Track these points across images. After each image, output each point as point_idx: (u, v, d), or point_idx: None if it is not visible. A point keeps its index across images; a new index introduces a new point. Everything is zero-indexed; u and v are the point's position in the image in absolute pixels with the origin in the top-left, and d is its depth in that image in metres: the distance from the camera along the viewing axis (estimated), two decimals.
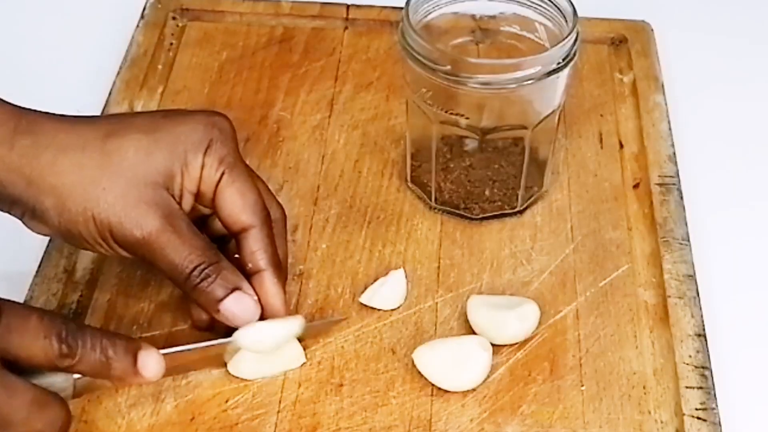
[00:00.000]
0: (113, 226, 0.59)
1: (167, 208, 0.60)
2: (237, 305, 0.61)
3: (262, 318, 0.62)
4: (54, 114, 0.62)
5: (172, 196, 0.61)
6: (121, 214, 0.59)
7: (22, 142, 0.59)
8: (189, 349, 0.61)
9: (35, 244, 0.70)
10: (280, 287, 0.63)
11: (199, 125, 0.62)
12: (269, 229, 0.63)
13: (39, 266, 0.69)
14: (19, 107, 0.61)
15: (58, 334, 0.54)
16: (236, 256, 0.63)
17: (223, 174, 0.62)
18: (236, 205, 0.62)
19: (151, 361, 0.57)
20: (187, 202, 0.62)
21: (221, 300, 0.61)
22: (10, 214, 0.61)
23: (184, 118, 0.62)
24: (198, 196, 0.63)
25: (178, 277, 0.61)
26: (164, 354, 0.59)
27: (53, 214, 0.60)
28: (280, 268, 0.64)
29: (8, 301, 0.55)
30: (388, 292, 0.68)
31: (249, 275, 0.63)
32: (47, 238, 0.70)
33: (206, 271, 0.60)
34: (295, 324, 0.63)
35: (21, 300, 0.67)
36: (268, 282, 0.62)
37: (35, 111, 0.61)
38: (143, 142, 0.60)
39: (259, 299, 0.62)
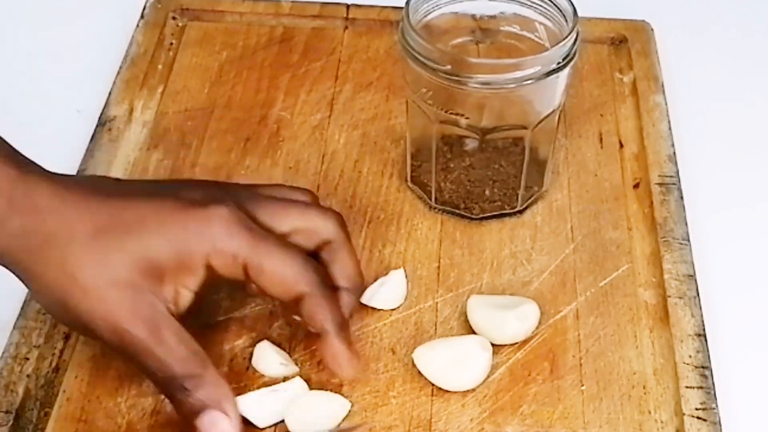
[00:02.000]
0: (92, 329, 0.58)
1: (150, 316, 0.57)
2: (210, 426, 0.58)
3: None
4: (49, 180, 0.59)
5: (163, 297, 0.58)
6: (99, 322, 0.57)
7: (13, 222, 0.57)
8: None
9: None
10: (345, 347, 0.60)
11: (193, 226, 0.58)
12: (323, 290, 0.60)
13: None
14: (19, 168, 0.58)
15: None
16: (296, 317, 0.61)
17: (246, 263, 0.58)
18: (278, 286, 0.59)
19: None
20: (186, 298, 0.59)
21: (197, 414, 0.58)
22: None
23: (174, 215, 0.58)
24: (225, 280, 0.60)
25: (156, 383, 0.59)
26: None
27: (39, 299, 0.60)
28: (345, 326, 0.61)
29: None
30: (388, 292, 0.68)
31: (315, 336, 0.61)
32: None
33: (184, 383, 0.57)
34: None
35: (21, 300, 0.67)
36: (332, 344, 0.60)
37: (32, 177, 0.58)
38: (129, 247, 0.57)
39: (327, 360, 0.61)
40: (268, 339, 0.65)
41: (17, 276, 0.59)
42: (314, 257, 0.62)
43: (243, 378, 0.64)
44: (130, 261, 0.57)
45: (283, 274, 0.59)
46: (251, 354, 0.65)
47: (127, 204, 0.59)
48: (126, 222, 0.58)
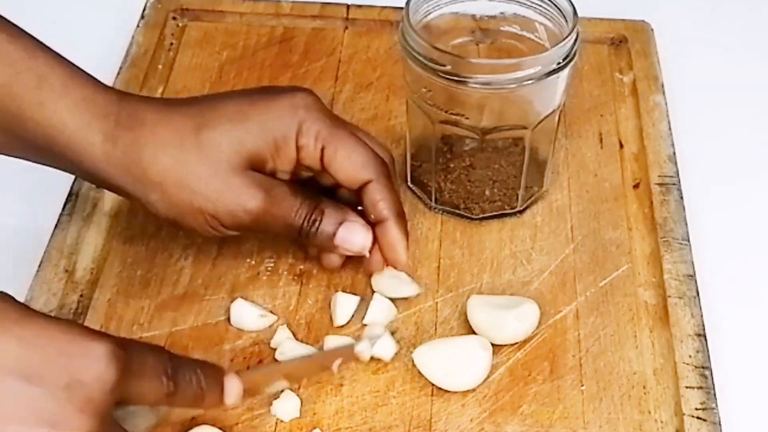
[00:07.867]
0: (221, 214, 0.63)
1: (265, 184, 0.64)
2: (348, 233, 0.65)
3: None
4: (149, 99, 0.65)
5: (267, 173, 0.64)
6: (228, 203, 0.63)
7: (124, 138, 0.62)
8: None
9: (35, 243, 0.70)
10: (402, 234, 0.66)
11: (284, 112, 0.64)
12: (387, 179, 0.66)
13: (39, 266, 0.69)
14: (118, 93, 0.64)
15: (165, 372, 0.54)
16: (359, 208, 0.66)
17: (323, 148, 0.64)
18: (348, 169, 0.65)
19: (233, 388, 0.58)
20: (284, 176, 0.65)
21: (334, 235, 0.65)
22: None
23: (268, 105, 0.64)
24: (302, 168, 0.65)
25: (294, 234, 0.65)
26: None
27: (160, 206, 0.64)
28: (403, 216, 0.66)
29: (130, 340, 0.54)
30: None
31: (373, 225, 0.66)
32: (47, 238, 0.70)
33: (311, 218, 0.64)
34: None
35: (21, 300, 0.67)
36: (392, 230, 0.65)
37: (132, 97, 0.65)
38: (233, 133, 0.63)
39: (384, 247, 0.66)
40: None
41: (131, 194, 0.64)
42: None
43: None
44: (239, 148, 0.63)
45: (355, 159, 0.65)
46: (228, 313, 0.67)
47: (225, 99, 0.65)
48: (228, 114, 0.64)
